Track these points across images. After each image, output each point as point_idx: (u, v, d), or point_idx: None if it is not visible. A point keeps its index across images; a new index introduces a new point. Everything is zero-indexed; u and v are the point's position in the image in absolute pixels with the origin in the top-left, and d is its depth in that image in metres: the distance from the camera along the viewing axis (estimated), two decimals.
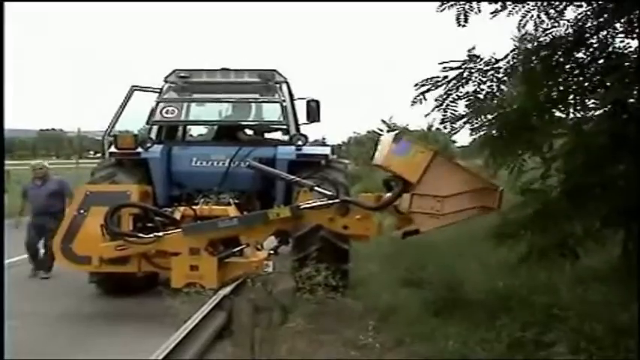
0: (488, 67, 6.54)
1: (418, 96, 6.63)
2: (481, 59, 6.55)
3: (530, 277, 7.50)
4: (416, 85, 6.63)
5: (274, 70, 10.56)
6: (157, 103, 10.27)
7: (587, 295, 6.78)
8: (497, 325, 6.46)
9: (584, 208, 6.19)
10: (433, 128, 29.97)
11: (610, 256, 7.40)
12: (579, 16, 6.39)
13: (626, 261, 6.65)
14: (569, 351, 5.72)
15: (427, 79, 6.60)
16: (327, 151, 10.28)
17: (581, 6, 6.42)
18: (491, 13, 6.47)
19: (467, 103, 6.55)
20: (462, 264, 9.15)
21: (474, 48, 6.58)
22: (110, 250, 8.13)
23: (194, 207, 8.76)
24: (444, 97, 6.56)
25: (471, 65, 6.54)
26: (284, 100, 10.33)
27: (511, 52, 6.58)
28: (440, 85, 6.55)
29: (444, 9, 6.51)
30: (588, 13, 6.36)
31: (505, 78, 6.58)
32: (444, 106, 6.57)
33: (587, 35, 6.32)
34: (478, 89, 6.54)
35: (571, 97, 6.41)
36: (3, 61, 7.16)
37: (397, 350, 6.66)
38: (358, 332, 6.88)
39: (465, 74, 6.52)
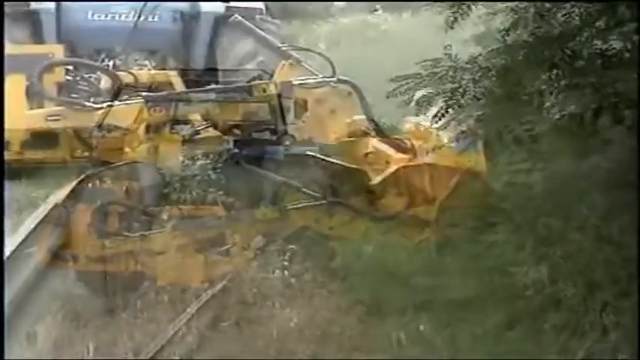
0: (468, 65, 6.49)
1: (394, 90, 6.56)
2: (459, 57, 6.49)
3: (521, 272, 7.46)
4: (391, 80, 6.58)
5: (262, 69, 10.52)
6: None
7: (579, 291, 6.76)
8: (486, 321, 6.44)
9: (567, 205, 6.18)
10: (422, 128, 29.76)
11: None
12: (564, 16, 6.36)
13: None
14: (559, 348, 5.71)
15: (401, 76, 6.56)
16: (314, 150, 10.23)
17: (564, 7, 6.39)
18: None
19: (444, 98, 6.48)
20: (450, 258, 9.10)
21: (450, 46, 6.54)
22: (96, 247, 8.07)
23: (180, 207, 8.71)
24: (420, 92, 6.49)
25: (450, 63, 6.49)
26: (272, 99, 10.26)
27: (491, 49, 6.53)
28: (417, 82, 6.48)
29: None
30: (573, 13, 6.33)
31: (484, 75, 6.51)
32: (418, 101, 6.50)
33: (572, 34, 6.30)
34: (458, 85, 6.48)
35: (553, 94, 6.39)
36: (3, 61, 7.09)
37: (386, 348, 6.65)
38: (346, 329, 6.87)
39: (442, 70, 6.46)
